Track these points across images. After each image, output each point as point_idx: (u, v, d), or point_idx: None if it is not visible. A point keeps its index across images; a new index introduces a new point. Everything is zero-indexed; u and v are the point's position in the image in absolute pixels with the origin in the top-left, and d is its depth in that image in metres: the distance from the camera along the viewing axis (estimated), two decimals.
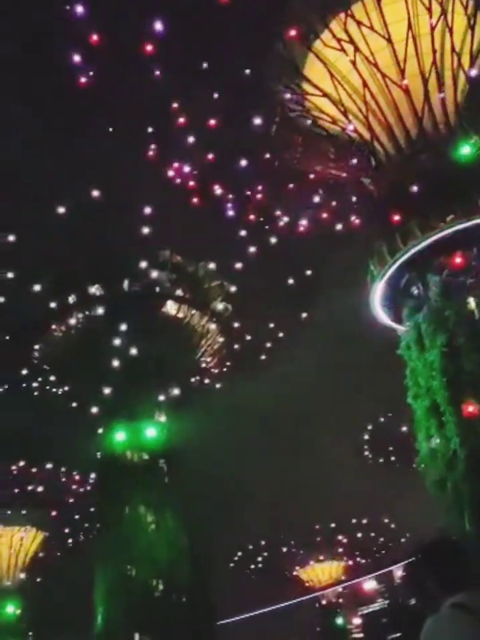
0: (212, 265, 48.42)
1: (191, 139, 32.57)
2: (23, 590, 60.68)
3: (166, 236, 45.98)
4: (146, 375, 46.57)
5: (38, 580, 62.15)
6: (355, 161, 34.61)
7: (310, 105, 33.84)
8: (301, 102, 33.63)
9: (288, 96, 33.63)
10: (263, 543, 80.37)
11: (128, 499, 45.02)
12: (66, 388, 50.21)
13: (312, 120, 34.13)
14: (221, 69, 31.52)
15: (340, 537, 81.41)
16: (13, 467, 57.77)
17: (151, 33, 28.59)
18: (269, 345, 51.05)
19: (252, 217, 37.04)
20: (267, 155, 34.77)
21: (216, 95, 31.75)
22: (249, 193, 36.32)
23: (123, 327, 45.47)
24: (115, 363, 45.64)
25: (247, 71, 31.00)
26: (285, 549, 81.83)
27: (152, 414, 47.95)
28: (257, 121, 32.97)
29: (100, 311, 46.79)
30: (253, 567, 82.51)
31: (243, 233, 42.63)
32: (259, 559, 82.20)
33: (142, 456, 46.85)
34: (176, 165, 34.21)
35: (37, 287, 44.84)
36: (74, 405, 50.08)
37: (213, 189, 35.53)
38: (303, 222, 36.23)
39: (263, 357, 51.58)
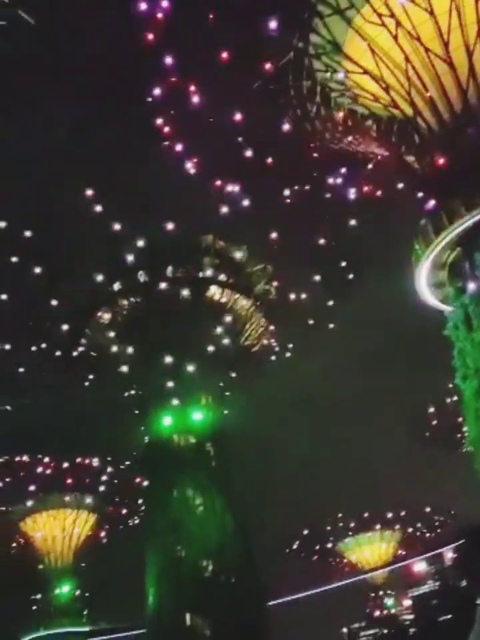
0: (253, 249, 48.28)
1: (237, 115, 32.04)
2: (76, 572, 62.35)
3: (208, 221, 46.02)
4: (191, 360, 46.92)
5: (90, 562, 63.66)
6: (398, 138, 33.93)
7: (351, 82, 33.26)
8: (342, 80, 33.06)
9: (328, 74, 33.09)
10: (310, 525, 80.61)
11: (176, 481, 45.60)
12: (113, 374, 50.91)
13: (353, 98, 33.58)
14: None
15: (389, 517, 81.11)
16: (63, 454, 59.16)
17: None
18: (311, 321, 50.68)
19: (291, 200, 36.78)
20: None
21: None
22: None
23: (167, 313, 45.88)
24: (161, 348, 46.15)
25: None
26: (333, 531, 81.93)
27: (198, 398, 48.35)
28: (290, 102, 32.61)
29: (145, 297, 47.25)
30: (301, 548, 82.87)
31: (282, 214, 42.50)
32: (308, 540, 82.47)
33: (189, 439, 47.34)
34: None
35: (84, 276, 45.53)
36: (121, 390, 50.84)
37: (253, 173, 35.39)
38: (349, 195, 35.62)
39: (307, 340, 51.39)
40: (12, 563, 63.01)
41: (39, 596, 61.49)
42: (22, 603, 61.62)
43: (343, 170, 35.29)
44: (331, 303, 48.62)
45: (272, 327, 51.33)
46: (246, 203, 38.41)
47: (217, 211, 41.21)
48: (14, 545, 63.04)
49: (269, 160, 33.71)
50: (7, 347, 43.89)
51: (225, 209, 38.67)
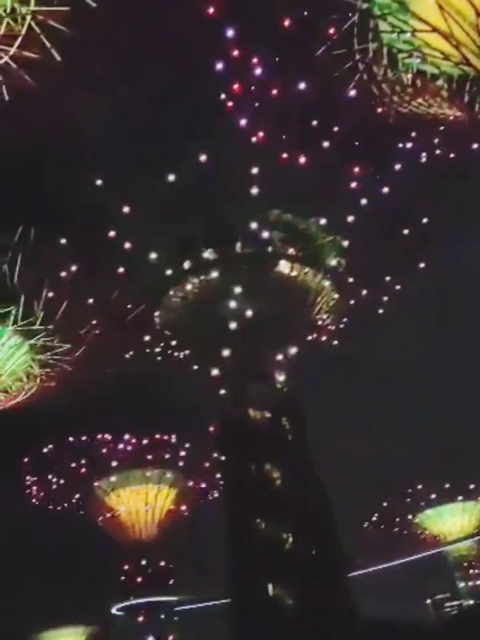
0: (323, 221, 47.68)
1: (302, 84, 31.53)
2: (160, 544, 64.27)
3: (275, 195, 45.65)
4: (264, 335, 46.99)
5: (173, 534, 65.45)
6: (470, 97, 32.53)
7: (418, 42, 32.02)
8: (409, 40, 31.86)
9: (394, 35, 31.95)
10: (390, 496, 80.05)
11: (253, 456, 46.02)
12: (187, 352, 51.66)
13: (421, 58, 32.34)
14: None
15: (472, 488, 79.61)
16: (143, 431, 60.78)
17: None
18: (385, 298, 49.93)
19: (359, 168, 36.03)
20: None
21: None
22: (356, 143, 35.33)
23: (238, 289, 46.03)
24: (233, 325, 46.40)
25: None
26: (413, 502, 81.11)
27: (272, 373, 48.46)
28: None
29: (214, 274, 47.50)
30: (380, 520, 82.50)
31: (353, 184, 41.73)
32: (387, 512, 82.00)
33: (264, 414, 47.60)
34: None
35: (153, 255, 46.12)
36: (195, 367, 51.57)
37: (320, 143, 34.81)
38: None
39: (380, 311, 50.60)
40: (100, 536, 65.54)
41: (126, 567, 63.73)
42: (111, 574, 64.12)
43: (414, 134, 34.25)
44: (404, 271, 47.64)
45: (343, 299, 50.76)
46: (313, 174, 37.98)
47: (283, 183, 40.94)
48: (101, 519, 65.45)
49: (336, 128, 33.05)
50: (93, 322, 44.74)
51: (290, 181, 38.35)
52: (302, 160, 37.60)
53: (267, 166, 40.44)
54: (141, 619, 62.06)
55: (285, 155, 35.53)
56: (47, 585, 61.37)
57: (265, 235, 47.10)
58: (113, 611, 63.90)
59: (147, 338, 50.15)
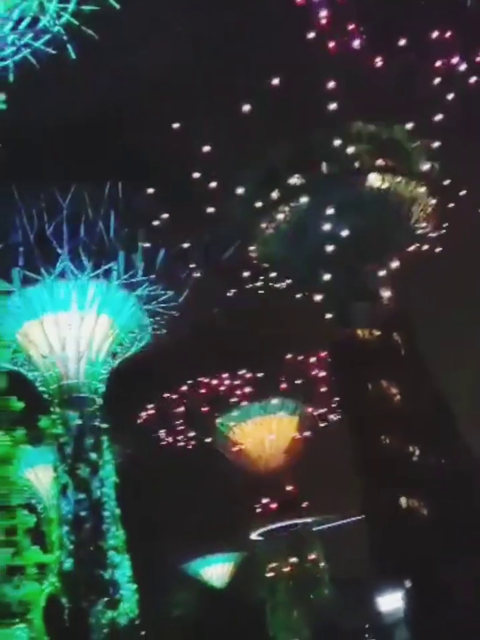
0: (409, 126, 45.48)
1: None
2: (289, 470, 66.32)
3: (355, 108, 43.85)
4: (363, 253, 46.22)
5: (301, 460, 67.16)
6: None
7: None
8: None
9: None
10: None
11: (367, 375, 46.02)
12: (287, 282, 51.67)
13: None
14: None
15: None
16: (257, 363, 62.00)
17: None
18: None
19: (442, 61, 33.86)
20: None
21: None
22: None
23: (330, 210, 45.22)
24: (330, 248, 45.91)
25: None
26: None
27: (376, 290, 47.80)
28: None
29: (304, 199, 46.77)
30: None
31: (436, 80, 39.39)
32: None
33: (374, 332, 47.23)
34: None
35: (240, 191, 45.93)
36: (299, 296, 51.59)
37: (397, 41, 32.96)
38: None
39: None
40: (230, 471, 68.39)
41: (260, 496, 66.35)
42: (246, 505, 67.03)
43: None
44: None
45: (441, 203, 48.69)
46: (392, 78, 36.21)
47: (361, 94, 39.24)
48: (229, 454, 68.15)
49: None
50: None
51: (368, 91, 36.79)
52: (379, 63, 35.82)
53: (343, 78, 38.82)
54: (280, 542, 64.90)
55: (363, 61, 33.88)
56: (192, 521, 65.13)
57: (350, 150, 45.65)
58: (254, 536, 67.08)
59: (246, 274, 50.54)
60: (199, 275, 45.95)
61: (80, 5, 24.21)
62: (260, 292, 51.55)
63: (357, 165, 46.61)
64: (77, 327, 42.40)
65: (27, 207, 39.48)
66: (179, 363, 56.57)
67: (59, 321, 42.23)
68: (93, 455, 41.17)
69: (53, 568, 37.72)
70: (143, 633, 38.65)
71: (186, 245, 45.02)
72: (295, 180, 47.24)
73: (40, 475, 51.41)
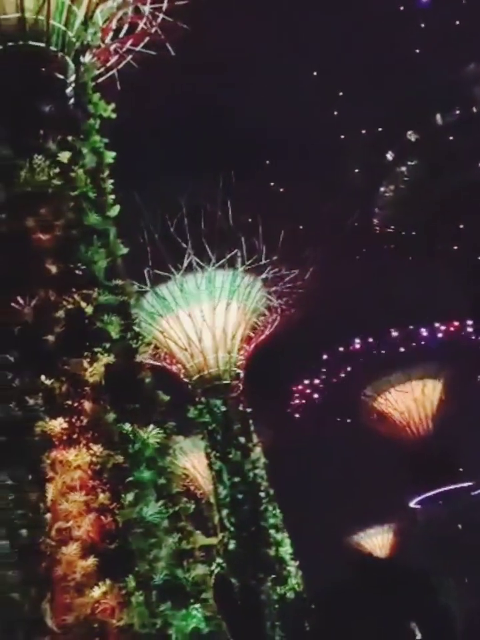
0: None
1: None
2: (439, 435, 64.63)
3: (463, 47, 41.41)
4: None
5: (449, 423, 65.26)
6: None
7: None
8: None
9: None
10: None
11: None
12: (415, 242, 50.15)
13: None
14: None
15: None
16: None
17: None
18: None
19: None
20: None
21: None
22: None
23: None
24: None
25: None
26: None
27: None
28: None
29: (421, 154, 45.05)
30: None
31: None
32: None
33: None
34: None
35: (354, 156, 45.01)
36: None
37: None
38: None
39: None
40: (381, 442, 67.75)
41: (413, 463, 65.27)
42: (403, 472, 66.36)
43: None
44: None
45: None
46: None
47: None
48: (377, 425, 67.48)
49: None
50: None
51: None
52: None
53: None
54: (438, 508, 63.64)
55: None
56: (349, 493, 65.50)
57: (467, 93, 43.27)
58: (411, 505, 66.22)
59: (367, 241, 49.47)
60: (321, 248, 45.51)
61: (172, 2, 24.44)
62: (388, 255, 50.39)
63: (474, 110, 44.18)
64: (210, 317, 43.47)
65: (150, 208, 40.88)
66: (315, 338, 56.58)
67: (193, 314, 43.50)
68: (242, 439, 42.16)
69: (218, 550, 39.20)
70: (312, 605, 39.32)
71: (301, 226, 44.72)
72: (409, 136, 45.58)
73: (195, 462, 53.54)
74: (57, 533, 14.84)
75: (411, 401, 64.49)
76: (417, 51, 38.78)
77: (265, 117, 41.34)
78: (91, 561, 14.50)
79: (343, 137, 44.29)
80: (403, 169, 46.73)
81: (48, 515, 15.10)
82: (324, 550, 60.08)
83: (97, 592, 14.26)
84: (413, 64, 41.14)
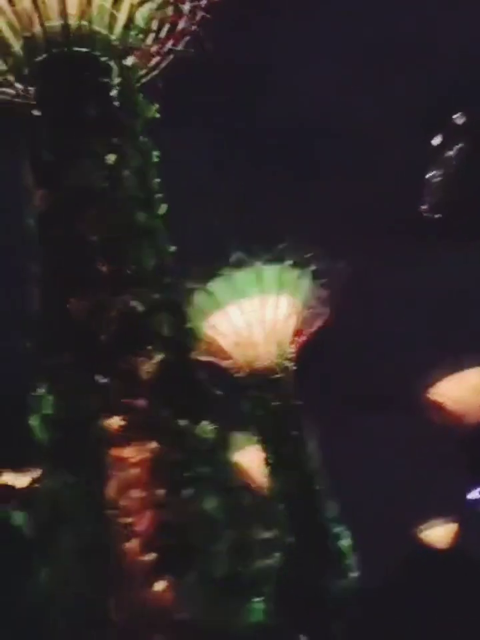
0: None
1: None
2: None
3: None
4: None
5: None
6: None
7: None
8: None
9: None
10: None
11: None
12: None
13: None
14: None
15: None
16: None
17: None
18: None
19: None
20: None
21: None
22: None
23: None
24: None
25: None
26: None
27: None
28: None
29: (469, 136, 43.99)
30: None
31: None
32: None
33: None
34: None
35: (399, 145, 44.25)
36: None
37: None
38: None
39: None
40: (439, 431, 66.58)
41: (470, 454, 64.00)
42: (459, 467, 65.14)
43: None
44: None
45: None
46: None
47: None
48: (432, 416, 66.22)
49: None
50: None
51: None
52: None
53: None
54: None
55: None
56: (409, 485, 64.87)
57: None
58: (472, 496, 65.07)
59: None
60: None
61: None
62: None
63: None
64: (260, 312, 43.35)
65: (198, 203, 41.05)
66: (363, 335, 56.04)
67: (243, 309, 43.43)
68: (295, 433, 41.93)
69: (277, 543, 39.14)
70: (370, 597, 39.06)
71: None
72: (457, 119, 44.56)
73: (250, 457, 53.49)
74: (118, 529, 15.05)
75: (464, 391, 62.82)
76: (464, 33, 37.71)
77: (311, 102, 41.04)
78: (152, 556, 14.67)
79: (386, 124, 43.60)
80: (451, 153, 45.73)
81: (108, 512, 15.33)
82: (384, 543, 59.49)
83: (158, 586, 14.42)
84: (462, 48, 40.13)
